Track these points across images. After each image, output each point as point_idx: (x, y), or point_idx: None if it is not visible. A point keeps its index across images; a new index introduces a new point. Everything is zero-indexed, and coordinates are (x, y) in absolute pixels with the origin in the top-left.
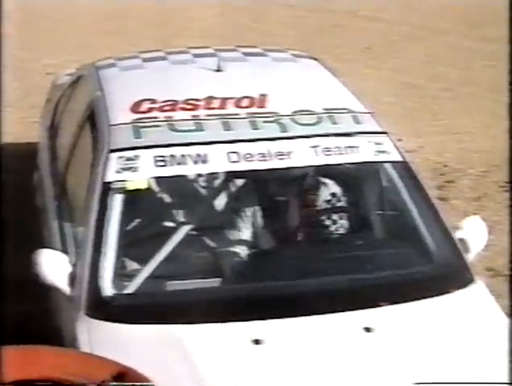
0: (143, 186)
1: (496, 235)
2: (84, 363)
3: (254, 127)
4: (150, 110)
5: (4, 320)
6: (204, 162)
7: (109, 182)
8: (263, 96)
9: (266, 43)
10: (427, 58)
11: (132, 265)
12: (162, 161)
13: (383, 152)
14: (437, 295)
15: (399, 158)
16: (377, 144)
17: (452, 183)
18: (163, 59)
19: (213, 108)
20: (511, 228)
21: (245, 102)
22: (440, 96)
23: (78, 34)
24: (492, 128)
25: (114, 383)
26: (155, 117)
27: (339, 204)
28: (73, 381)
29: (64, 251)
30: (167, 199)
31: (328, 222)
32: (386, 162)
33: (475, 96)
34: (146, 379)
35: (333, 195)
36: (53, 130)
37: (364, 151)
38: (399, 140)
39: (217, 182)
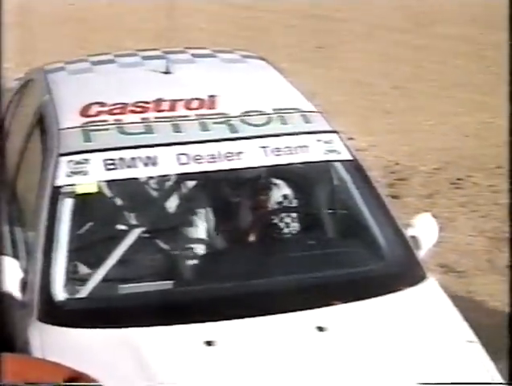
0: (93, 189)
1: (448, 231)
2: (37, 368)
3: (204, 128)
4: (99, 113)
5: None
6: (154, 164)
7: (59, 187)
8: (213, 97)
9: (218, 44)
10: (378, 56)
11: (84, 269)
12: (112, 164)
13: (333, 151)
14: (389, 293)
15: (349, 157)
16: (327, 143)
17: (403, 181)
18: (112, 62)
19: (163, 111)
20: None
21: (194, 104)
22: (392, 93)
23: (30, 38)
24: (443, 125)
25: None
26: (105, 121)
27: (290, 204)
28: None
29: (15, 256)
30: (118, 202)
31: (279, 222)
32: (335, 161)
33: (426, 94)
34: (97, 383)
35: (284, 195)
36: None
37: (314, 151)
38: (350, 138)
39: (168, 185)
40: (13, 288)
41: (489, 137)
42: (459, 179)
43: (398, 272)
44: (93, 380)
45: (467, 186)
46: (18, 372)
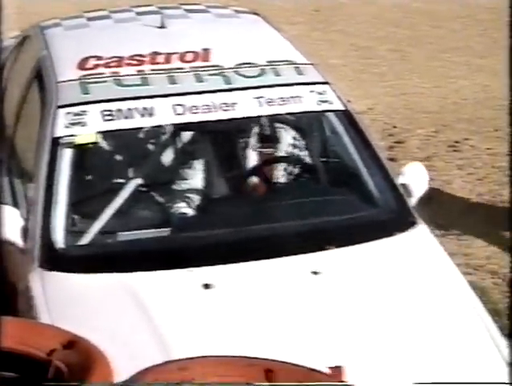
0: (92, 139)
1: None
2: (34, 331)
3: (199, 80)
4: (96, 66)
5: None
6: (151, 115)
7: (58, 138)
8: (207, 50)
9: None
10: (375, 19)
11: (84, 218)
12: (109, 115)
13: (326, 101)
14: (381, 238)
15: (341, 107)
16: (320, 94)
17: (401, 144)
18: (107, 17)
19: (158, 63)
20: None
21: (189, 56)
22: (388, 57)
23: None
24: (440, 88)
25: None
26: (102, 73)
27: (283, 154)
28: (23, 350)
29: (15, 207)
30: (116, 153)
31: (272, 171)
32: (328, 111)
33: (423, 57)
34: (95, 348)
35: (278, 144)
36: (1, 92)
37: (307, 101)
38: (348, 101)
39: (165, 135)
40: (14, 235)
41: (486, 101)
42: (456, 142)
43: (389, 218)
44: (90, 344)
45: (464, 149)
46: (17, 336)
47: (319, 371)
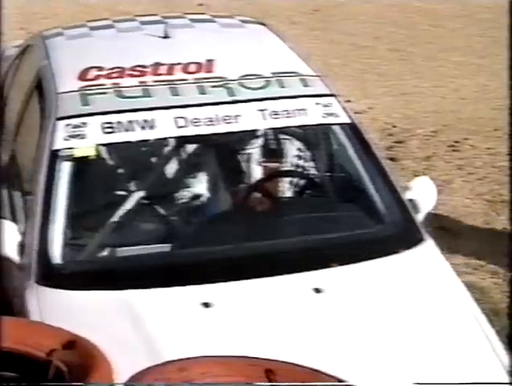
0: (91, 153)
1: (446, 194)
2: (33, 331)
3: (202, 92)
4: (97, 77)
5: None
6: (152, 127)
7: (57, 150)
8: (210, 61)
9: None
10: (374, 19)
11: (82, 233)
12: (109, 127)
13: (331, 114)
14: (387, 255)
15: (347, 120)
16: (326, 106)
17: (401, 144)
18: (110, 27)
19: (161, 74)
20: None
21: (192, 67)
22: (388, 56)
23: None
24: (440, 88)
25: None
26: (103, 84)
27: (288, 167)
28: (23, 350)
29: (14, 220)
30: (116, 166)
31: (277, 185)
32: (334, 124)
33: (423, 57)
34: (95, 347)
35: (282, 158)
36: (1, 102)
37: (312, 114)
38: (348, 101)
39: (167, 148)
40: (11, 251)
41: (485, 100)
42: (456, 142)
43: (395, 234)
44: (90, 344)
45: (464, 149)
46: (17, 336)
47: (319, 371)
